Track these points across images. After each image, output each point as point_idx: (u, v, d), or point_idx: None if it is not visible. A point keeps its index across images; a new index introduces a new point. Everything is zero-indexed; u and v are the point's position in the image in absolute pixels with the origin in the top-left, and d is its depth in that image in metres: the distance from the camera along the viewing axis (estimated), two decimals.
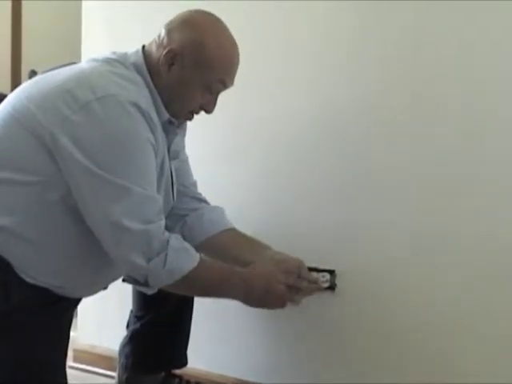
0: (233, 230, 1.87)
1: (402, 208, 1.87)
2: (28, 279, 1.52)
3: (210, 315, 2.10)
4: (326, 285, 1.81)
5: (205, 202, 1.89)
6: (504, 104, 1.74)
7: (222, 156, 2.17)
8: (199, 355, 2.10)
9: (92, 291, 1.71)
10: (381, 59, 1.90)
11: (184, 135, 1.84)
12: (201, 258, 1.60)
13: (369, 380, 1.93)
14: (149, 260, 1.52)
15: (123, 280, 1.64)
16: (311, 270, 1.82)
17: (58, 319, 1.61)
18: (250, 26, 2.05)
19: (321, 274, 1.81)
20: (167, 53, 1.60)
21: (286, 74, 2.04)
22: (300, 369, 2.04)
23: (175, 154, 1.75)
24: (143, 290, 1.60)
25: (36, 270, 1.53)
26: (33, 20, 3.66)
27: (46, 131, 1.49)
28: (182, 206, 1.83)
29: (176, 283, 1.56)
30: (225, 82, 1.65)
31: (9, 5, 3.59)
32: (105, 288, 1.73)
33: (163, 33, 1.63)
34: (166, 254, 1.53)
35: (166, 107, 1.63)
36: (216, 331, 2.18)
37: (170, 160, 1.69)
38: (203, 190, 1.91)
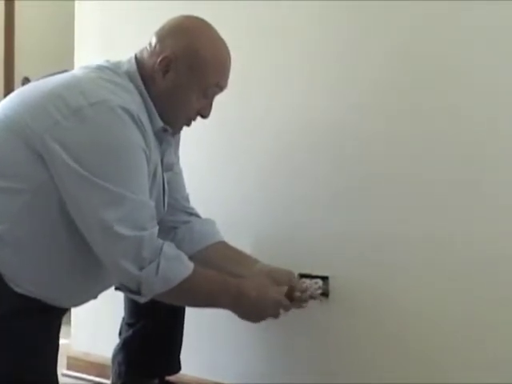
0: (223, 243, 1.87)
1: (398, 215, 1.87)
2: (17, 289, 1.51)
3: (202, 321, 2.10)
4: (319, 291, 1.80)
5: (196, 215, 1.89)
6: (504, 111, 1.74)
7: (217, 164, 2.17)
8: (193, 361, 2.10)
9: (82, 301, 1.69)
10: (378, 67, 1.90)
11: (178, 148, 1.84)
12: (194, 266, 1.59)
13: None
14: (141, 267, 1.51)
15: (116, 288, 1.63)
16: (304, 276, 1.81)
17: (47, 327, 1.60)
18: (244, 36, 2.06)
19: (313, 280, 1.80)
20: (162, 60, 1.60)
21: (282, 82, 2.05)
22: (294, 375, 2.04)
23: (169, 166, 1.75)
24: (136, 298, 1.59)
25: (25, 279, 1.52)
26: (25, 27, 3.65)
27: (37, 137, 1.48)
28: (173, 219, 1.82)
29: (169, 292, 1.55)
30: (220, 84, 1.66)
31: (1, 12, 3.58)
32: (95, 297, 1.72)
33: (154, 40, 1.64)
34: (159, 262, 1.52)
35: (161, 115, 1.63)
36: (209, 337, 2.17)
37: (163, 170, 1.69)
38: (198, 197, 1.91)
